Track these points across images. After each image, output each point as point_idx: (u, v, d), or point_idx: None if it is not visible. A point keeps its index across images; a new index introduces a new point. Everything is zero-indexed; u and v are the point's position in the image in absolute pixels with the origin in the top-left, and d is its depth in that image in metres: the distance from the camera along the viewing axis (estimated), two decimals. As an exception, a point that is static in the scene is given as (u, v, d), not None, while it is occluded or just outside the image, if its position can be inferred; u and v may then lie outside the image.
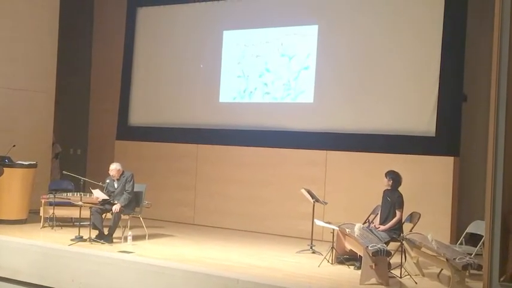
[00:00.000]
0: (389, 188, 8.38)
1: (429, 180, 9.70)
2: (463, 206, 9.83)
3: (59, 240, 9.13)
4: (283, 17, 11.39)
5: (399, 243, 7.89)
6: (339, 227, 8.26)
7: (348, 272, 7.92)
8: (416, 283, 7.33)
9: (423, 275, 7.79)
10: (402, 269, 7.54)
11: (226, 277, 7.27)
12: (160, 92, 12.69)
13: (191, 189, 12.00)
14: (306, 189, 9.42)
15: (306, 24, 11.15)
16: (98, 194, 9.24)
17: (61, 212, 10.28)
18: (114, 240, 9.17)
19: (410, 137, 10.01)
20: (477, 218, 8.67)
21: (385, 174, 8.45)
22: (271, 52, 11.49)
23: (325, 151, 10.72)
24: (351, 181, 10.36)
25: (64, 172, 10.14)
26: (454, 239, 9.37)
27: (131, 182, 9.36)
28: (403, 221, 8.31)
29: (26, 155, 10.81)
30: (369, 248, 7.16)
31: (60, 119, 13.28)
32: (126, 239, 9.20)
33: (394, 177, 8.36)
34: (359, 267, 7.67)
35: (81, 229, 9.20)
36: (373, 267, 7.14)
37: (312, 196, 9.31)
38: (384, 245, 7.41)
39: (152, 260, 8.02)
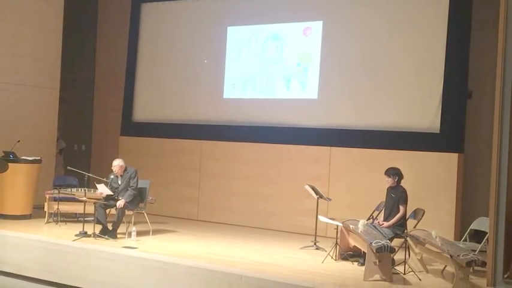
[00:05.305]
0: (394, 184, 8.34)
1: (433, 177, 9.69)
2: (467, 203, 9.81)
3: (63, 235, 9.16)
4: (287, 12, 11.37)
5: (403, 239, 7.89)
6: (342, 223, 8.26)
7: (352, 268, 7.92)
8: (420, 279, 7.32)
9: (427, 272, 7.78)
10: (406, 265, 7.54)
11: (230, 273, 7.29)
12: (165, 88, 12.68)
13: (195, 185, 12.01)
14: (310, 186, 9.41)
15: (311, 20, 11.14)
16: (103, 189, 9.26)
17: (65, 208, 10.31)
18: (118, 236, 9.18)
19: (415, 133, 10.00)
20: (481, 215, 8.63)
21: (386, 173, 8.33)
22: (275, 48, 11.48)
23: (329, 147, 10.71)
24: (354, 177, 10.35)
25: (68, 168, 10.14)
26: (458, 235, 9.36)
27: (135, 178, 9.37)
28: (407, 217, 8.29)
29: (31, 150, 10.83)
30: (373, 244, 7.16)
31: (65, 115, 13.31)
32: (130, 234, 9.21)
33: (397, 173, 8.30)
34: (363, 264, 7.67)
35: (85, 224, 9.24)
36: (377, 263, 7.14)
37: (316, 192, 9.30)
38: (388, 241, 7.41)
39: (156, 256, 8.04)
